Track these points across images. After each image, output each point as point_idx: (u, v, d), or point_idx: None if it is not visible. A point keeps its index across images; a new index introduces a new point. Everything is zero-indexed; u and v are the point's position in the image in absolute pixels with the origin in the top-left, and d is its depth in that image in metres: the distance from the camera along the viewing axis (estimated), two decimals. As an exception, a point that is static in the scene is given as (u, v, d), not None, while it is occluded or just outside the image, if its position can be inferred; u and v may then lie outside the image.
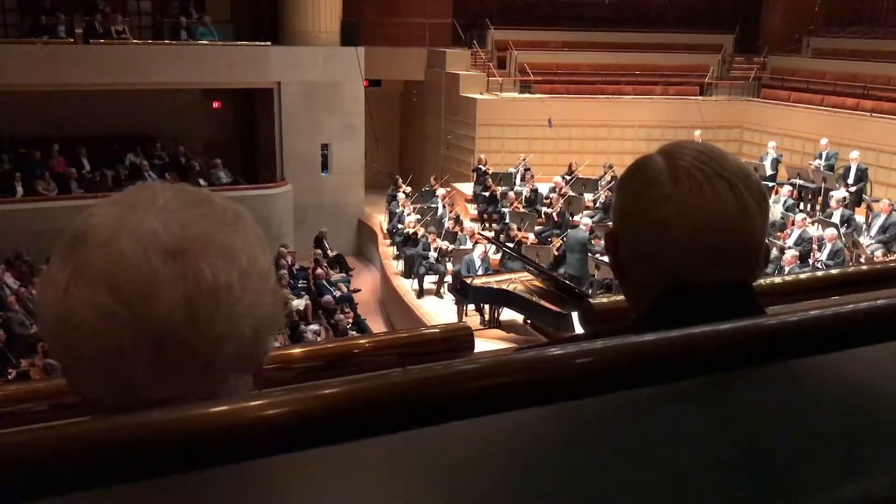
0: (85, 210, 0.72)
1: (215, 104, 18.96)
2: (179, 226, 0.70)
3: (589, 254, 12.06)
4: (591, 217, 13.89)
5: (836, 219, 12.20)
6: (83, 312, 0.68)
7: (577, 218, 14.22)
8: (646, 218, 1.00)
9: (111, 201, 0.73)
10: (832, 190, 13.86)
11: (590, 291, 11.30)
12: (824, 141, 14.98)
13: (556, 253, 12.86)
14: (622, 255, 1.05)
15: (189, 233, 0.70)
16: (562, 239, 13.26)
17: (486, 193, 16.09)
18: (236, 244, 0.72)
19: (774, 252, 10.84)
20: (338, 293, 13.27)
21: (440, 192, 16.16)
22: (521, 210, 14.98)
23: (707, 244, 0.98)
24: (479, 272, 11.90)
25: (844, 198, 13.55)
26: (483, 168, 16.61)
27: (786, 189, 13.87)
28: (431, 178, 17.35)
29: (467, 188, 17.31)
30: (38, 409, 1.33)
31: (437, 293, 13.27)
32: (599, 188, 15.71)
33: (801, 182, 14.63)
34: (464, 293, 11.51)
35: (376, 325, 13.29)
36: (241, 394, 0.75)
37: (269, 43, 17.31)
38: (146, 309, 0.67)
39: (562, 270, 12.27)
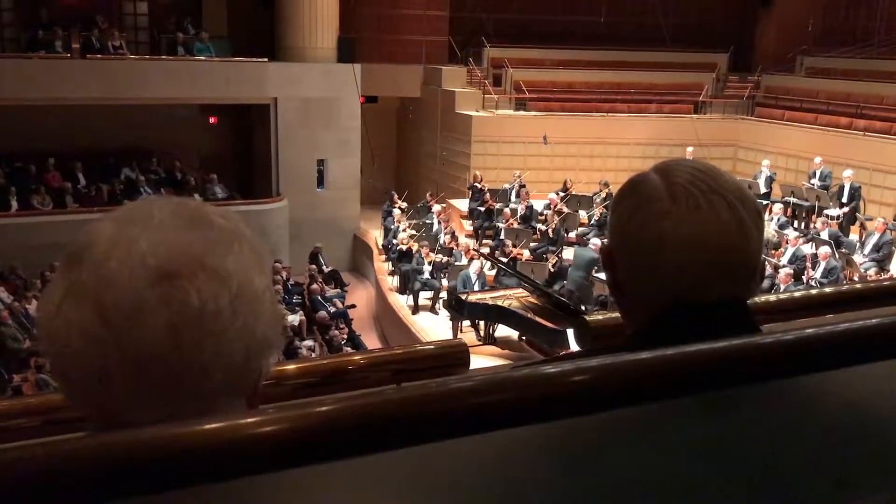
0: (87, 224, 0.72)
1: (212, 119, 19.00)
2: (170, 248, 0.68)
3: (596, 272, 11.98)
4: (587, 234, 13.90)
5: (823, 237, 12.26)
6: (71, 333, 0.67)
7: (571, 235, 14.21)
8: (643, 235, 1.00)
9: (111, 217, 0.72)
10: (826, 208, 13.91)
11: (584, 308, 11.26)
12: (818, 159, 15.05)
13: (551, 269, 12.86)
14: (619, 271, 1.05)
15: (179, 256, 0.68)
16: (557, 255, 13.27)
17: (483, 209, 16.12)
18: (229, 267, 0.70)
19: (769, 270, 10.86)
20: (332, 309, 13.25)
21: (436, 207, 16.20)
22: (517, 226, 15.00)
23: (704, 261, 0.97)
24: (475, 288, 11.89)
25: (837, 216, 13.59)
26: (479, 185, 16.65)
27: (777, 207, 13.91)
28: (427, 194, 17.38)
29: (463, 204, 17.34)
30: (30, 425, 1.32)
31: (432, 309, 13.25)
32: (594, 205, 15.74)
33: (795, 200, 14.68)
34: (459, 309, 11.49)
35: (371, 341, 13.25)
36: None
37: (265, 59, 17.36)
38: (130, 334, 0.66)
39: (558, 287, 12.26)
